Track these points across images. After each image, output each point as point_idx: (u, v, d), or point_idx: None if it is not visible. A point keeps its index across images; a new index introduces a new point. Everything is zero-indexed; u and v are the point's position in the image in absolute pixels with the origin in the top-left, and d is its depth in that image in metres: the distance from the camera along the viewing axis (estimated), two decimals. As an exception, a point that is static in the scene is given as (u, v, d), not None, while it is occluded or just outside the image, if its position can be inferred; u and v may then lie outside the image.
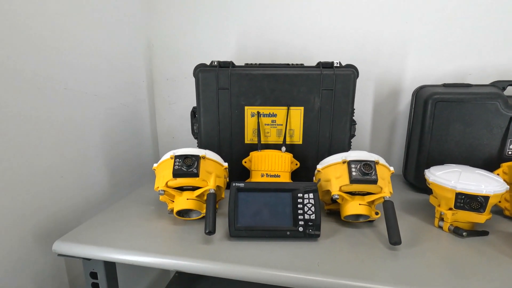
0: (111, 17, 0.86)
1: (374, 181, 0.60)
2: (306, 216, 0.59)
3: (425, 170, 0.68)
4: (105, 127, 0.87)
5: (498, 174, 0.67)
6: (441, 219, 0.64)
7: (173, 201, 0.65)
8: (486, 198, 0.57)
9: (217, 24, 1.00)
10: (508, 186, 0.59)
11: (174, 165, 0.62)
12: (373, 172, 0.60)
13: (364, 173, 0.60)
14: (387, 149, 1.02)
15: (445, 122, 0.76)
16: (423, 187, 0.82)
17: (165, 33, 1.03)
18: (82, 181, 0.79)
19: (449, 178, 0.61)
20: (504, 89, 0.77)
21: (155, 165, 0.67)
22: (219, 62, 0.79)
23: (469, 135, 0.76)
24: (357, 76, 0.78)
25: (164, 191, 0.63)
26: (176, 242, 0.59)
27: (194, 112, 0.86)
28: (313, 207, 0.60)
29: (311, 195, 0.61)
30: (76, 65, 0.74)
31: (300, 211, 0.60)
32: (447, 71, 0.92)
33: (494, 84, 0.79)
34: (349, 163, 0.62)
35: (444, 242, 0.59)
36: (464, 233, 0.60)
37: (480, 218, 0.59)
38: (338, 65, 0.78)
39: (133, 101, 0.99)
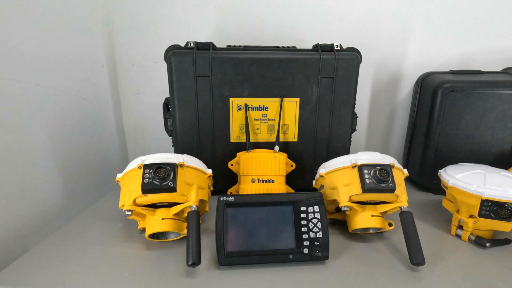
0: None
1: (392, 190, 0.50)
2: (312, 235, 0.49)
3: (440, 170, 0.60)
4: (54, 125, 0.69)
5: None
6: (460, 227, 0.56)
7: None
8: (515, 204, 0.50)
9: (192, -2, 0.83)
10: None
11: (143, 178, 0.47)
12: (391, 179, 0.50)
13: (380, 180, 0.50)
14: (385, 144, 0.93)
15: (456, 114, 0.68)
16: (428, 186, 0.75)
17: (128, 7, 0.85)
18: (23, 196, 0.62)
19: (472, 181, 0.53)
20: (516, 76, 0.70)
21: (119, 175, 0.52)
22: (196, 43, 0.64)
23: (482, 129, 0.69)
24: (361, 61, 0.67)
25: (132, 211, 0.49)
26: (150, 276, 0.46)
27: (167, 105, 0.71)
28: (319, 223, 0.49)
29: (316, 208, 0.50)
30: (2, 46, 0.56)
31: (304, 229, 0.49)
32: (450, 56, 0.84)
33: (506, 71, 0.72)
34: (361, 168, 0.51)
35: (466, 255, 0.52)
36: (487, 244, 0.52)
37: (506, 226, 0.51)
38: (338, 48, 0.67)
39: (92, 90, 0.82)
